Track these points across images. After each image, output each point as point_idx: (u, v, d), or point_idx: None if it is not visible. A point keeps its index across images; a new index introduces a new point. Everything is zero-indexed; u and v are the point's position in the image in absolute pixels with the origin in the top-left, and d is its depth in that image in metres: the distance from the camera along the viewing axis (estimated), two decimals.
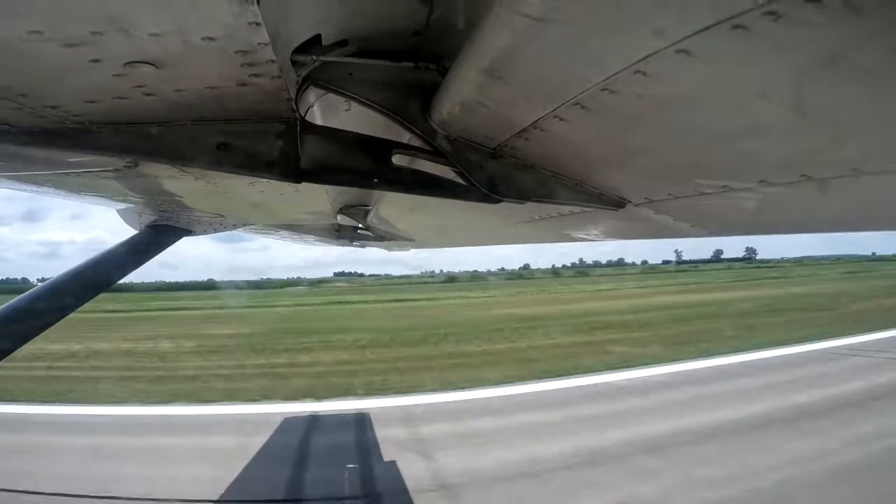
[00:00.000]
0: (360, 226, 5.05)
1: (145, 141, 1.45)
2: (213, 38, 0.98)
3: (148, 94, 1.24)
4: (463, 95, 1.39)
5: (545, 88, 1.18)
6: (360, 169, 1.65)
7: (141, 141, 1.45)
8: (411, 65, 1.63)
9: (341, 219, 4.78)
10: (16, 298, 2.85)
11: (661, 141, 1.28)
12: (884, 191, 1.24)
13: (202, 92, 1.28)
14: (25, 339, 2.69)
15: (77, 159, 1.60)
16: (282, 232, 5.48)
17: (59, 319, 2.88)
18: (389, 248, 6.78)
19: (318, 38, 1.46)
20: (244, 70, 1.16)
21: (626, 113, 1.15)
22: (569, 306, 33.86)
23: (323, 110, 1.82)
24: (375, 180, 1.66)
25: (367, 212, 4.46)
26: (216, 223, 4.02)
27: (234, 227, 4.36)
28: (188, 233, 4.03)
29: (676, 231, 2.13)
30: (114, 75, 1.10)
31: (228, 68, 1.14)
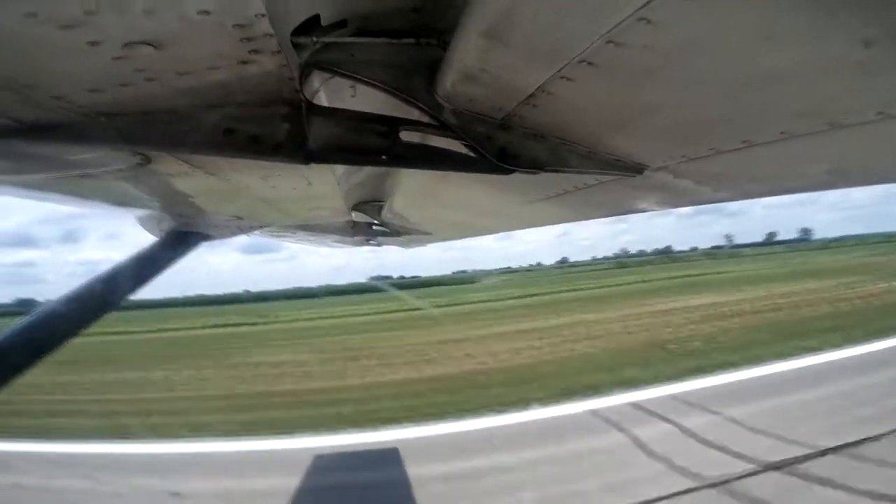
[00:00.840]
0: (376, 222, 5.05)
1: (151, 130, 1.45)
2: (208, 12, 0.97)
3: (150, 79, 1.24)
4: (465, 65, 1.36)
5: (548, 47, 1.15)
6: (368, 147, 1.63)
7: (147, 130, 1.45)
8: (413, 41, 1.60)
9: (356, 216, 4.80)
10: (37, 309, 2.76)
11: (672, 95, 1.23)
12: None
13: (204, 74, 1.27)
14: (48, 350, 2.60)
15: (87, 156, 1.62)
16: (299, 233, 5.52)
17: (82, 329, 2.84)
18: (406, 245, 6.79)
19: (316, 18, 1.45)
20: (243, 46, 1.15)
21: (633, 67, 1.11)
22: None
23: (328, 92, 1.81)
24: (384, 157, 1.65)
25: (381, 207, 4.46)
26: (234, 226, 4.05)
27: (252, 229, 4.40)
28: (207, 238, 4.07)
29: (699, 196, 2.07)
30: (113, 58, 1.10)
31: (227, 45, 1.13)
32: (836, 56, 0.92)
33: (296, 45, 1.47)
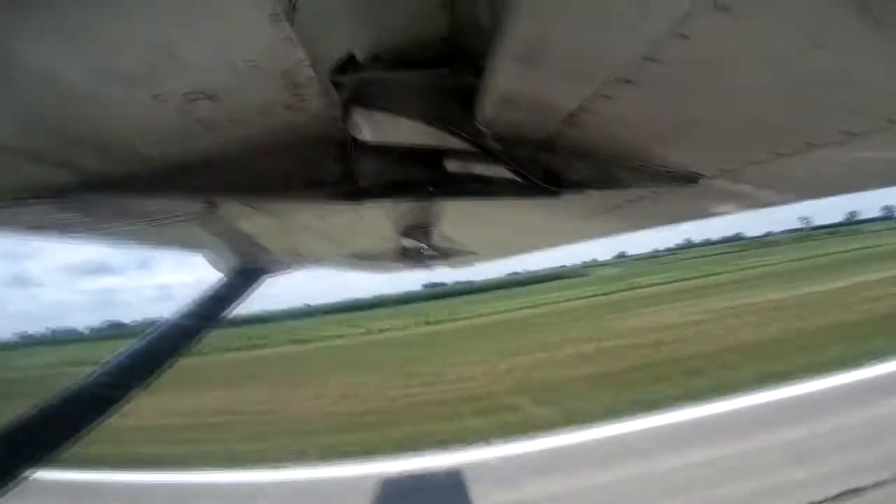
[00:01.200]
0: (424, 246, 5.12)
1: (213, 178, 1.56)
2: (254, 62, 1.05)
3: (208, 130, 1.34)
4: (502, 90, 1.38)
5: (584, 67, 1.15)
6: (414, 180, 1.68)
7: (210, 178, 1.56)
8: (447, 71, 1.64)
9: (406, 242, 4.88)
10: (116, 354, 2.70)
11: (721, 106, 1.19)
12: None
13: (256, 121, 1.36)
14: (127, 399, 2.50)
15: (157, 205, 1.75)
16: (354, 262, 5.69)
17: (164, 368, 2.92)
18: (455, 266, 6.82)
19: (352, 57, 1.51)
20: (289, 92, 1.23)
21: (676, 81, 1.08)
22: None
23: (371, 128, 1.88)
24: (431, 189, 1.68)
25: (429, 231, 4.52)
26: (294, 261, 4.24)
27: (310, 263, 4.58)
28: (269, 273, 4.28)
29: (762, 200, 1.96)
30: (175, 110, 1.19)
31: (275, 92, 1.21)
32: (890, 53, 0.87)
33: (336, 85, 1.55)
